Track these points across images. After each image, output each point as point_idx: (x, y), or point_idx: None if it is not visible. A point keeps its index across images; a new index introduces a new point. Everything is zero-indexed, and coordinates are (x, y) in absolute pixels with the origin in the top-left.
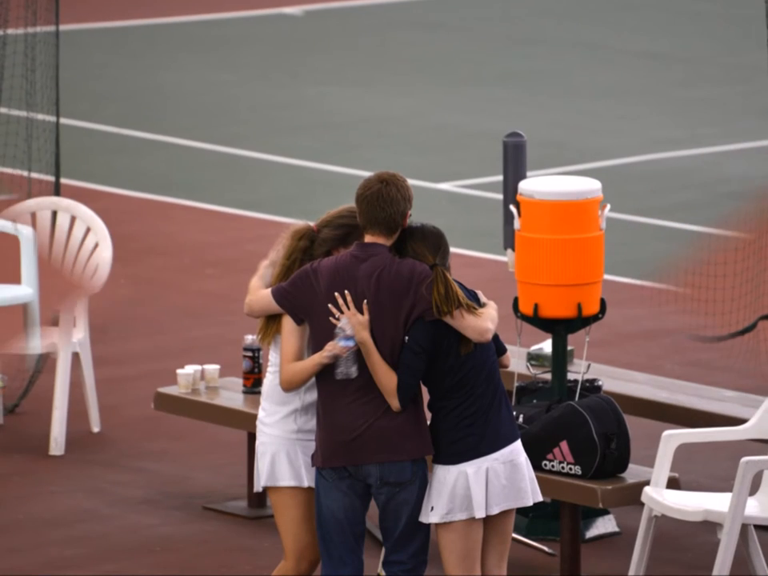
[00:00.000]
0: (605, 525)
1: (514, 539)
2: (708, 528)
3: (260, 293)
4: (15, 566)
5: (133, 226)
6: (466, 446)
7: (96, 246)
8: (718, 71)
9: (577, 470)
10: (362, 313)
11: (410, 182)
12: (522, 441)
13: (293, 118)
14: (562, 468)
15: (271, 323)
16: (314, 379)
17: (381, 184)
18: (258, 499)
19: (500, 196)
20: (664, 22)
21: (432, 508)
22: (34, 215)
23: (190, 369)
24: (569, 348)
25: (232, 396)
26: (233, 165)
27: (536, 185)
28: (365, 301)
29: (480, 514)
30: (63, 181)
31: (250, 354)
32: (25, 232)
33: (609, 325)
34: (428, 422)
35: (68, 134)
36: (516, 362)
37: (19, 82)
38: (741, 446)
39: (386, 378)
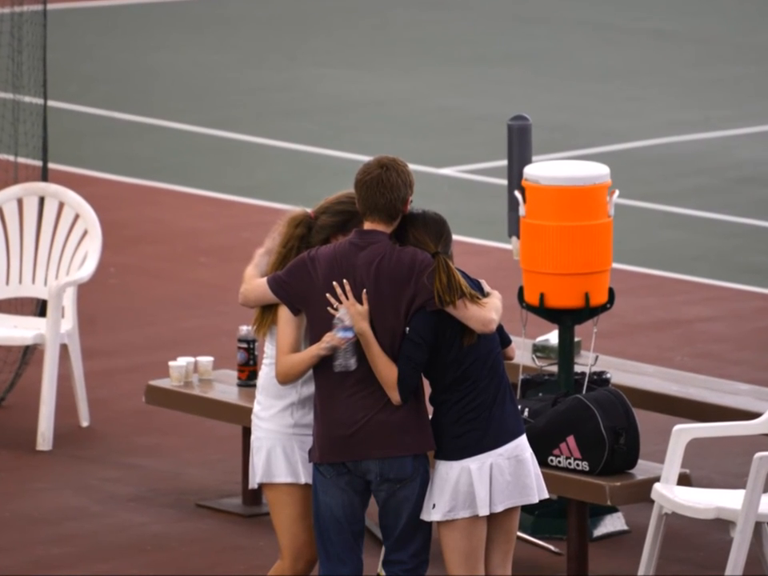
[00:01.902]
0: (613, 523)
1: (519, 538)
2: (720, 526)
3: (255, 282)
4: (1, 566)
5: (123, 213)
6: (469, 441)
7: (85, 233)
8: (732, 51)
9: (584, 465)
10: (361, 302)
11: (411, 166)
12: (528, 436)
13: (290, 100)
14: (569, 464)
15: (267, 313)
16: (311, 372)
17: (381, 169)
18: (254, 496)
19: (504, 181)
20: (675, 0)
21: (434, 505)
22: (20, 201)
23: (182, 361)
24: (576, 339)
25: (226, 389)
26: (227, 149)
27: (542, 170)
28: (364, 290)
29: (484, 511)
30: (51, 166)
31: (244, 345)
32: None
33: (617, 315)
34: (429, 417)
35: (56, 117)
36: (521, 353)
37: (5, 63)
38: (754, 441)
39: (386, 371)
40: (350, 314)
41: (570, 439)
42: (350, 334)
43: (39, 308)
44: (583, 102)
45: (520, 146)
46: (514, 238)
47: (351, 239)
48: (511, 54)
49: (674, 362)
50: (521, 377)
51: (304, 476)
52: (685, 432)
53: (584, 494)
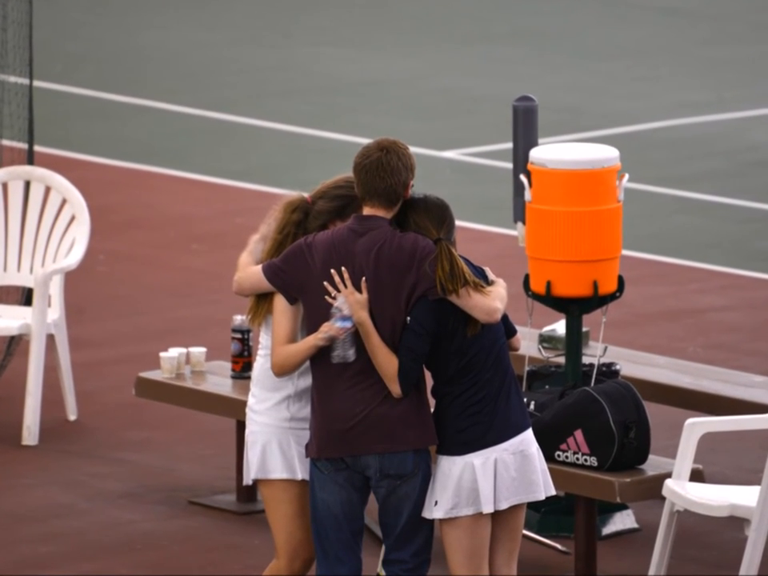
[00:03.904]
0: (623, 520)
1: (525, 536)
2: (735, 524)
3: (250, 270)
4: None
5: (112, 198)
6: (473, 435)
7: (72, 218)
8: (746, 29)
9: (592, 461)
10: (360, 291)
11: (413, 149)
12: (534, 430)
13: (285, 80)
14: (577, 459)
15: (262, 302)
16: (308, 363)
17: (381, 152)
18: (248, 493)
19: (510, 165)
20: None
21: (436, 502)
22: (5, 186)
23: (174, 352)
24: (584, 329)
25: (219, 381)
26: (220, 131)
27: (548, 153)
28: (363, 278)
29: (488, 508)
30: (37, 148)
31: (239, 335)
32: None
33: (627, 304)
34: (431, 410)
35: (42, 98)
36: (527, 344)
37: None
38: None
39: (386, 362)
40: (349, 302)
41: (578, 433)
42: (348, 324)
43: (25, 297)
44: (591, 81)
45: (526, 128)
46: (519, 224)
47: (350, 225)
48: (516, 31)
49: (686, 353)
50: (527, 368)
51: (301, 472)
52: (697, 426)
53: (592, 490)
